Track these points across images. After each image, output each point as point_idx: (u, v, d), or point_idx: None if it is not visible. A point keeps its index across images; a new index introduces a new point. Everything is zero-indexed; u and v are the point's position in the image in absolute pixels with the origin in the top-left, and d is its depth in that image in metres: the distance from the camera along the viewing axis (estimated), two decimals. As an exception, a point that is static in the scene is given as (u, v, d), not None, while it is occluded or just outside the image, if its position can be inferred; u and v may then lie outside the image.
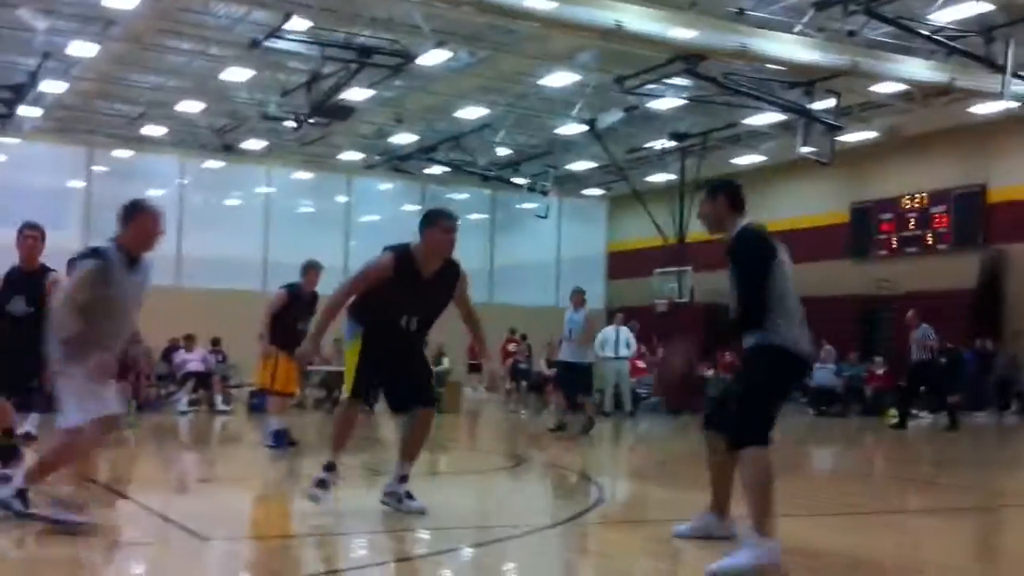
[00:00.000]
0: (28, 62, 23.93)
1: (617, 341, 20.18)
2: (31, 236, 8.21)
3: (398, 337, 6.77)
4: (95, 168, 31.78)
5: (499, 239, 36.84)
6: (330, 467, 6.74)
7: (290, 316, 11.13)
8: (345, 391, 6.92)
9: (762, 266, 5.42)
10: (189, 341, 20.96)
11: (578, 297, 15.32)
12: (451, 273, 6.98)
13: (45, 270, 8.20)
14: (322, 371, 20.99)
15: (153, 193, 32.71)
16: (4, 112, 26.47)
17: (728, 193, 5.78)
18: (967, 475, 11.29)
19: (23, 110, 26.95)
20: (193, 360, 20.43)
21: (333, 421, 7.13)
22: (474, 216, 37.05)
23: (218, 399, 20.14)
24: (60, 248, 30.37)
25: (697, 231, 31.48)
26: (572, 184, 36.28)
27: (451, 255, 6.97)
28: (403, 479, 6.80)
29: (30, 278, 8.11)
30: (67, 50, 23.05)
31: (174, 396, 19.92)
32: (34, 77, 24.23)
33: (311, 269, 11.62)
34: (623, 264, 36.21)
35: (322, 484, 6.67)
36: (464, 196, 36.56)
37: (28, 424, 10.69)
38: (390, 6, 20.92)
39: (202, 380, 20.10)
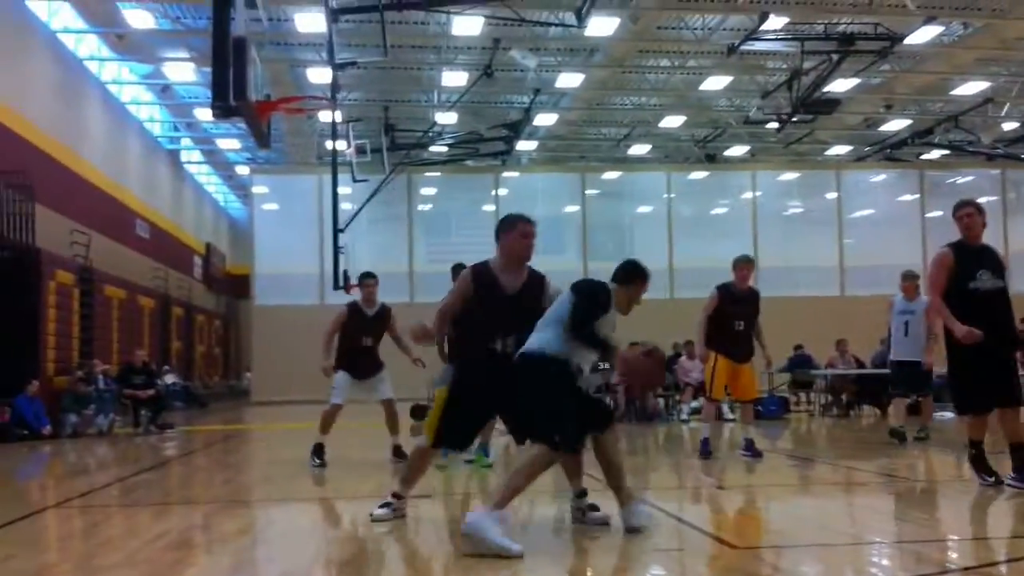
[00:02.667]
0: (522, 99, 25.57)
1: None
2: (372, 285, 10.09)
3: (496, 365, 6.10)
4: (588, 191, 33.25)
5: (1013, 222, 33.36)
6: (397, 497, 6.57)
7: (724, 317, 10.45)
8: (427, 439, 6.38)
9: None
10: (690, 347, 20.91)
11: (910, 284, 12.61)
12: (537, 283, 6.41)
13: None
14: (827, 375, 20.12)
15: (642, 209, 33.71)
16: (504, 149, 28.54)
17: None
18: None
19: (520, 144, 28.89)
20: (695, 369, 20.37)
21: (411, 459, 6.84)
22: (981, 199, 33.85)
23: (724, 407, 19.92)
24: (562, 270, 32.09)
25: None
26: (1096, 152, 32.04)
27: (529, 259, 6.43)
28: (582, 494, 6.26)
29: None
30: (556, 83, 24.30)
31: (679, 405, 19.99)
32: (528, 113, 25.85)
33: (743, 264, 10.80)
34: None
35: (387, 506, 6.53)
36: (968, 179, 33.58)
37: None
38: (871, -12, 19.66)
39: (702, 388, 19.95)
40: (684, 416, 18.79)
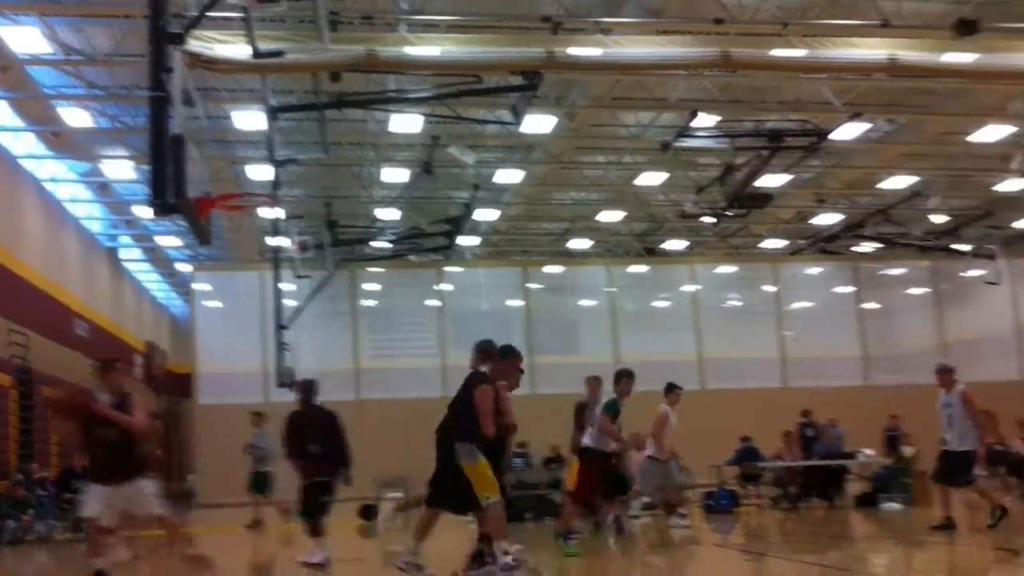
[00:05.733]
0: (463, 195, 25.88)
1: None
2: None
3: None
4: (531, 286, 33.47)
5: (948, 312, 34.04)
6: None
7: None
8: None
9: None
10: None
11: (943, 377, 12.72)
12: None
13: None
14: (775, 467, 20.21)
15: (585, 303, 33.94)
16: (447, 244, 28.74)
17: None
18: None
19: (463, 239, 29.13)
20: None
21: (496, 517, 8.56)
22: (915, 291, 34.63)
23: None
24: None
25: None
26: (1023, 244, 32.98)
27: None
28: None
29: None
30: (495, 179, 24.66)
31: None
32: (469, 208, 26.15)
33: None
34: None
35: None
36: (901, 271, 34.35)
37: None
38: (797, 87, 20.32)
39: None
40: (634, 512, 18.56)
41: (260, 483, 17.02)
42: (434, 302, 32.40)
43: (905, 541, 12.66)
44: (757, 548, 12.06)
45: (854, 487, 19.84)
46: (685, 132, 21.12)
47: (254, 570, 11.74)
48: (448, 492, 8.53)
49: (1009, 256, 32.02)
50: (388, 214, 27.90)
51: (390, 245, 29.82)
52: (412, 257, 31.35)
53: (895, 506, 18.07)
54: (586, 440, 12.14)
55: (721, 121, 21.58)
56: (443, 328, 31.76)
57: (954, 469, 12.18)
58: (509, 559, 8.28)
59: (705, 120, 20.99)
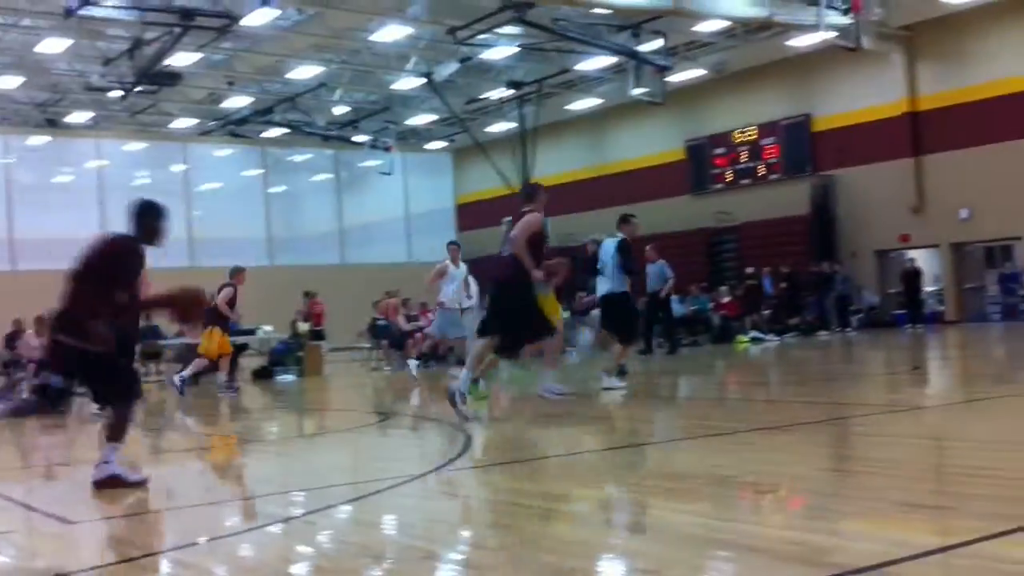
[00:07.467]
0: None
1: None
2: None
3: None
4: (-91, 152, 30.01)
5: (346, 199, 36.45)
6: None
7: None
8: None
9: None
10: (39, 325, 19.90)
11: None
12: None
13: None
14: (178, 344, 20.60)
15: (-25, 174, 31.20)
16: None
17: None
18: (813, 391, 11.87)
19: None
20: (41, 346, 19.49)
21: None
22: (319, 177, 36.58)
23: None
24: None
25: (541, 177, 31.91)
26: (415, 139, 36.17)
27: None
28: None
29: None
30: None
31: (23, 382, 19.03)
32: None
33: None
34: (473, 215, 36.37)
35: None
36: (306, 157, 36.03)
37: None
38: (210, -35, 20.30)
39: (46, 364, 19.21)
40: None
41: None
42: None
43: (296, 409, 13.87)
44: (155, 424, 12.52)
45: (252, 362, 20.96)
46: (90, 0, 20.14)
47: None
48: (521, 327, 9.44)
49: (402, 149, 35.04)
50: None
51: None
52: None
53: (289, 378, 19.54)
54: None
55: (132, -7, 20.87)
56: None
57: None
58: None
59: (115, -10, 20.19)
